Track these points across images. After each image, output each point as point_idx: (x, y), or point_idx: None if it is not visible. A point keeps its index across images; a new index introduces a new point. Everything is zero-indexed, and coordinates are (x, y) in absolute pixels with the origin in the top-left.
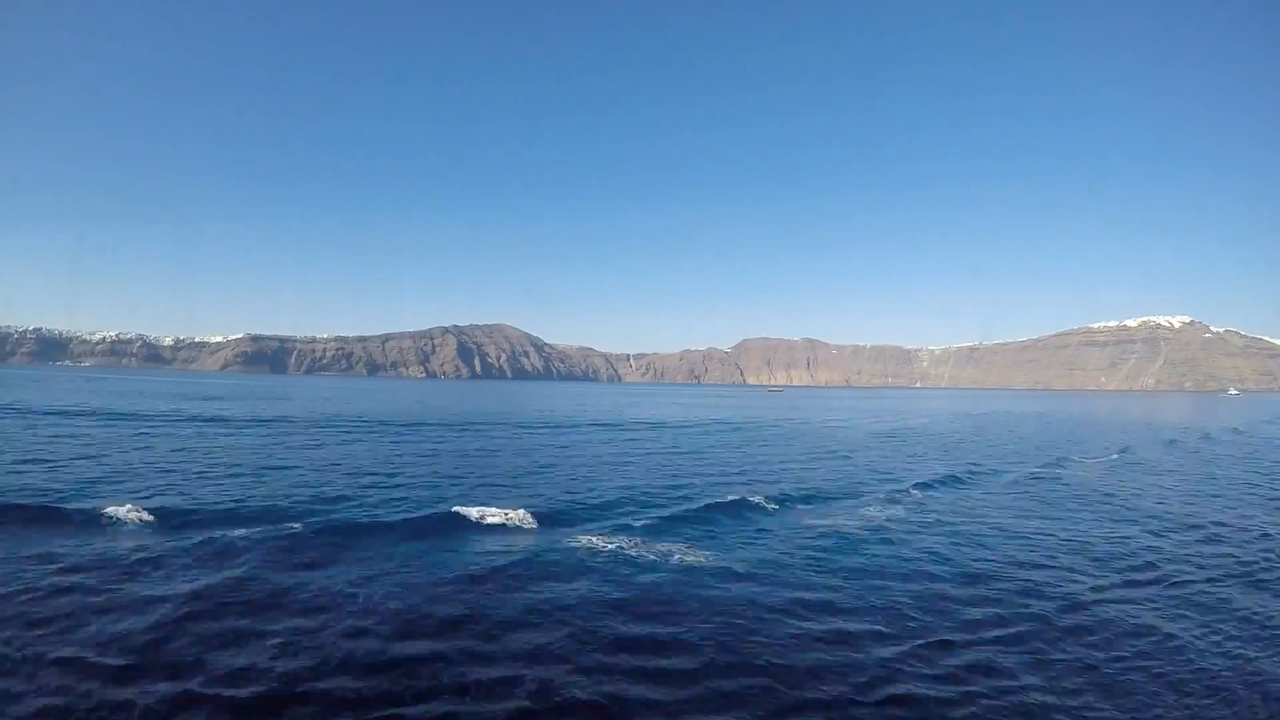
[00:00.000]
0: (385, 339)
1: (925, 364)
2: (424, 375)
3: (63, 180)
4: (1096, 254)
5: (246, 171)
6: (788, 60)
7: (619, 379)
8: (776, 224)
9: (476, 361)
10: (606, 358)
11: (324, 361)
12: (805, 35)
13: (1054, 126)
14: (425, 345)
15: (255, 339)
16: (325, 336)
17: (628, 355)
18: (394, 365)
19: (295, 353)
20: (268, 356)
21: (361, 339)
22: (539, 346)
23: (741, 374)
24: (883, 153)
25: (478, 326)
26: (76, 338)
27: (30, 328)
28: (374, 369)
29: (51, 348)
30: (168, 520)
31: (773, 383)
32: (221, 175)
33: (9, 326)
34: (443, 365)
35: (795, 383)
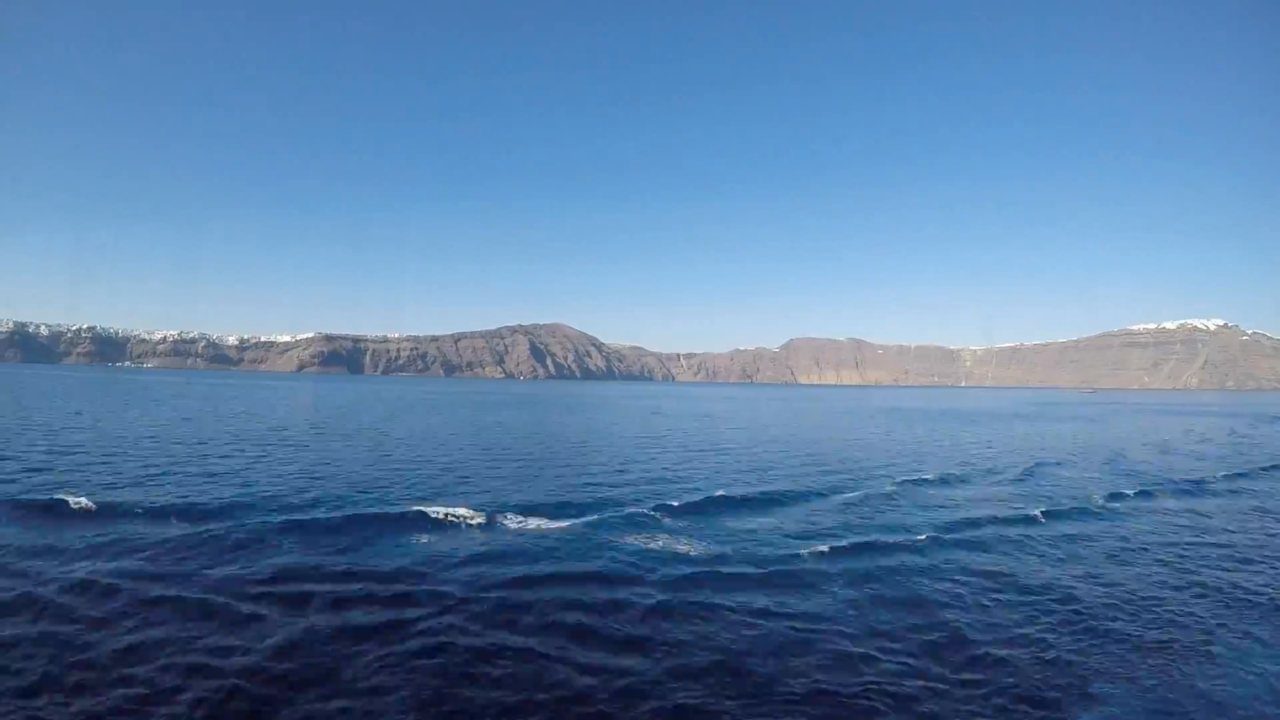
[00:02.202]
0: (458, 338)
1: (969, 364)
2: (502, 375)
3: (106, 179)
4: (1100, 259)
5: (283, 174)
6: (835, 58)
7: (672, 378)
8: (814, 223)
9: (549, 361)
10: (659, 357)
11: (400, 362)
12: (854, 29)
13: (1067, 131)
14: (498, 345)
15: (329, 338)
16: (397, 336)
17: (678, 355)
18: (469, 366)
19: (370, 352)
20: (343, 357)
21: (434, 338)
22: (598, 346)
23: (793, 373)
24: (905, 156)
25: (540, 326)
26: (135, 337)
27: (85, 326)
28: (450, 369)
29: (109, 347)
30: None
31: (822, 380)
32: (264, 179)
33: (60, 325)
34: (518, 365)
35: (845, 381)
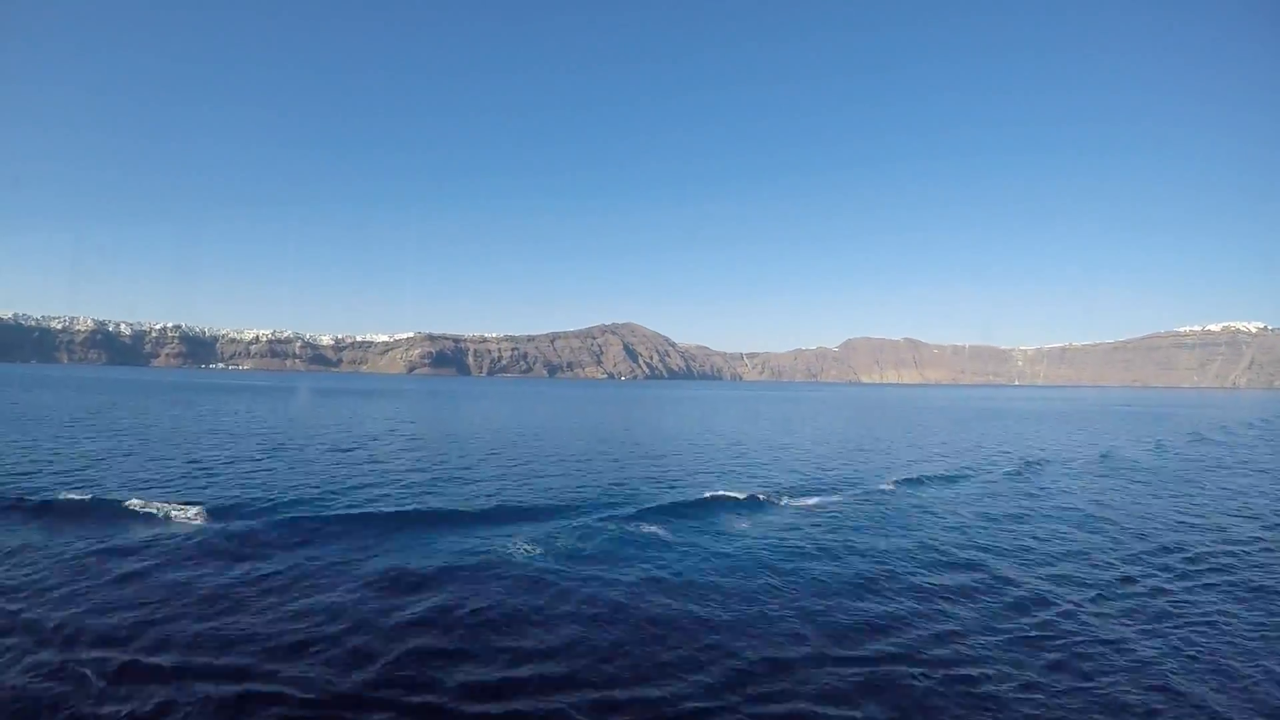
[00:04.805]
0: (553, 338)
1: (1020, 363)
2: (603, 376)
3: (140, 180)
4: (1137, 261)
5: (316, 178)
6: (891, 52)
7: (739, 378)
8: (861, 221)
9: (641, 362)
10: (724, 356)
11: (503, 362)
12: (910, 20)
13: (1086, 134)
14: (593, 345)
15: (431, 338)
16: (495, 335)
17: (742, 354)
18: (570, 366)
19: (472, 352)
20: (449, 357)
21: (530, 338)
22: (673, 345)
23: (855, 372)
24: (930, 157)
25: (619, 325)
26: (224, 336)
27: (170, 325)
28: (553, 370)
29: (198, 348)
30: None
31: (883, 380)
32: (303, 180)
33: (141, 323)
34: (615, 365)
35: (905, 380)
